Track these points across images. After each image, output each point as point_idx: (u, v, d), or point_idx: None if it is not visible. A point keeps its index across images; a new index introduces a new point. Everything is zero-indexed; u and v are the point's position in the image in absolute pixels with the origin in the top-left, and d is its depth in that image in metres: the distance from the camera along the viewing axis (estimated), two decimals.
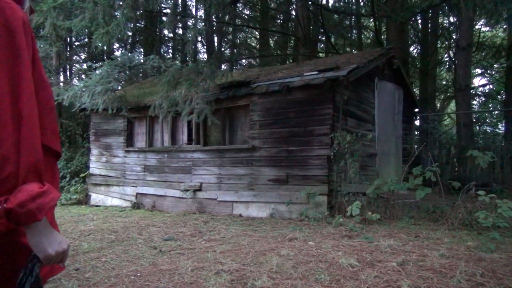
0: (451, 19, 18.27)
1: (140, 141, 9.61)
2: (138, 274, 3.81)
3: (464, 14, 10.82)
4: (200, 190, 8.24)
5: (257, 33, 21.86)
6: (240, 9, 20.06)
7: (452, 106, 25.47)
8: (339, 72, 6.61)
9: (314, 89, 6.82)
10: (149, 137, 9.43)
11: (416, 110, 10.94)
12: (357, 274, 3.55)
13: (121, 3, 7.12)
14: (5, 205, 0.94)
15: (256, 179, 7.45)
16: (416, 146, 11.12)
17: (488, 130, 16.74)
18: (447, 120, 22.69)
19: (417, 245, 4.48)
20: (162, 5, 16.08)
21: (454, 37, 19.32)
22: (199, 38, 19.82)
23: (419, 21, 16.91)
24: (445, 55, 20.36)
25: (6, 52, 1.00)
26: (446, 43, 18.11)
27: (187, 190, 8.35)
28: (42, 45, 11.45)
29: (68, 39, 17.05)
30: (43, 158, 1.03)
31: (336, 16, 15.93)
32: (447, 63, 20.78)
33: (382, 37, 18.48)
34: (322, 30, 14.85)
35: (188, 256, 4.46)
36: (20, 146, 0.97)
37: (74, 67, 18.71)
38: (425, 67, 15.17)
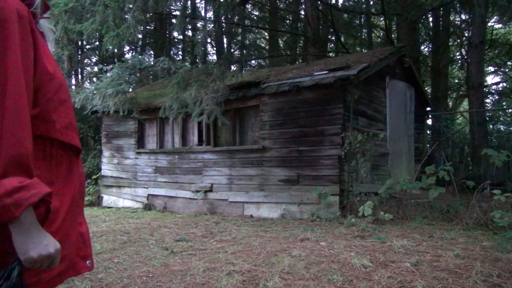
0: (463, 17, 18.08)
1: (151, 143, 9.66)
2: (150, 275, 3.82)
3: (477, 11, 10.69)
4: (211, 191, 8.24)
5: (266, 33, 21.86)
6: (249, 10, 20.08)
7: (465, 104, 25.13)
8: (350, 71, 6.56)
9: (324, 89, 6.78)
10: (159, 138, 9.47)
11: (428, 109, 10.81)
12: (370, 274, 3.50)
13: (131, 5, 7.16)
14: None
15: (266, 179, 7.43)
16: (428, 145, 10.99)
17: (502, 128, 16.46)
18: (460, 118, 22.38)
19: (431, 245, 4.41)
20: (171, 7, 16.15)
21: (466, 34, 19.12)
22: (208, 40, 19.88)
23: (430, 19, 16.71)
24: (457, 53, 20.10)
25: None
26: (458, 40, 17.86)
27: (198, 191, 8.36)
28: (53, 49, 11.58)
29: (79, 42, 17.26)
30: (31, 151, 0.98)
31: (345, 15, 15.85)
32: (459, 61, 20.51)
33: (393, 35, 18.35)
34: (331, 30, 14.76)
35: (199, 257, 4.45)
36: (1, 139, 0.92)
37: (85, 70, 18.92)
38: (437, 65, 14.98)
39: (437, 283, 3.20)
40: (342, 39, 18.14)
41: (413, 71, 9.16)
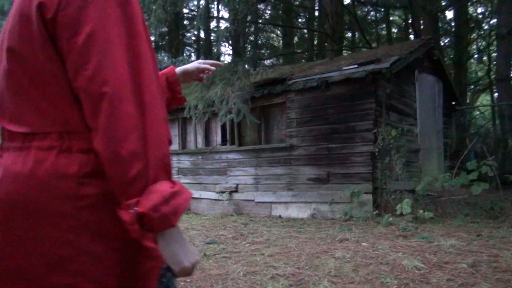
0: (486, 7, 17.60)
1: (173, 144, 9.53)
2: (188, 280, 3.65)
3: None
4: (236, 191, 8.07)
5: (278, 32, 21.63)
6: (262, 8, 19.88)
7: (482, 99, 24.51)
8: (381, 65, 6.32)
9: (354, 84, 6.54)
10: (181, 139, 9.33)
11: (453, 103, 10.46)
12: (426, 277, 3.28)
13: (154, 6, 7.02)
14: (136, 208, 0.79)
15: (295, 178, 7.22)
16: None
17: None
18: (477, 113, 21.78)
19: (483, 244, 4.16)
20: (187, 8, 16.06)
21: (486, 27, 18.63)
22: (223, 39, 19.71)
23: (452, 12, 16.27)
24: (474, 46, 19.56)
25: (123, 26, 0.84)
26: (482, 32, 17.36)
27: (222, 192, 8.20)
28: None
29: None
30: (169, 150, 0.87)
31: (359, 11, 15.49)
32: (479, 54, 19.97)
33: (409, 30, 17.97)
34: (352, 24, 14.43)
35: (235, 260, 4.27)
36: (146, 138, 0.81)
37: None
38: (459, 58, 14.58)
39: (503, 285, 2.97)
40: (356, 35, 17.85)
41: (441, 64, 8.86)
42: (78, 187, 0.83)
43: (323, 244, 4.72)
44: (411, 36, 17.05)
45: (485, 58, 20.19)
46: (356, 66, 6.73)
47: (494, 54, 18.83)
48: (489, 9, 17.66)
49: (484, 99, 25.87)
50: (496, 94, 19.83)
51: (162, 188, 0.81)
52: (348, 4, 13.40)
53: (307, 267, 3.82)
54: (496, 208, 5.36)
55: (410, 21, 12.24)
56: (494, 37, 17.62)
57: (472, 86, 22.09)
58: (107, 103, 0.78)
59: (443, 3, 13.79)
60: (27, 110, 0.86)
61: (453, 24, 18.26)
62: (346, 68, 6.81)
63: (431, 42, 8.25)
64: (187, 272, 0.87)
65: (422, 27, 13.57)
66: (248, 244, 5.09)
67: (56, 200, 0.82)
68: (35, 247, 0.82)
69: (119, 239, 0.86)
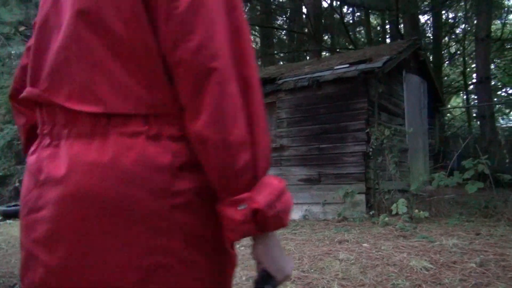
0: (456, 13, 18.11)
1: None
2: None
3: (481, 5, 10.59)
4: None
5: (256, 33, 21.55)
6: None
7: (453, 101, 25.22)
8: (374, 64, 6.30)
9: (346, 83, 6.49)
10: None
11: (438, 104, 10.62)
12: (437, 277, 3.21)
13: None
14: (246, 205, 0.67)
15: (285, 179, 7.06)
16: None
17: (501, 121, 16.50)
18: (448, 114, 22.35)
19: (485, 243, 4.15)
20: None
21: (458, 31, 19.17)
22: None
23: (430, 15, 16.63)
24: (446, 50, 20.08)
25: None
26: (453, 36, 17.84)
27: None
28: None
29: None
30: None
31: (348, 11, 15.56)
32: (452, 58, 20.52)
33: (387, 33, 18.26)
34: (334, 25, 14.47)
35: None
36: (253, 124, 0.69)
37: None
38: (439, 61, 14.89)
39: None
40: (336, 37, 17.96)
41: (426, 64, 8.96)
42: (172, 182, 0.68)
43: (322, 246, 4.62)
44: (388, 40, 17.37)
45: (460, 60, 20.83)
46: (347, 65, 6.69)
47: (468, 57, 19.45)
48: (459, 14, 18.24)
49: (455, 101, 26.69)
50: (473, 96, 20.42)
51: (273, 182, 0.71)
52: (331, 5, 13.44)
53: (312, 270, 3.70)
54: (490, 207, 5.41)
55: (395, 23, 12.33)
56: (467, 41, 18.19)
57: (445, 89, 22.71)
58: (216, 80, 0.65)
59: (426, 8, 14.05)
60: (101, 86, 0.68)
61: (429, 28, 18.75)
62: (338, 67, 6.77)
63: (418, 42, 8.33)
64: (288, 279, 0.78)
65: (402, 31, 13.79)
66: (243, 248, 4.93)
67: (147, 197, 0.66)
68: (120, 256, 0.65)
69: (209, 244, 0.74)
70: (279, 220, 0.69)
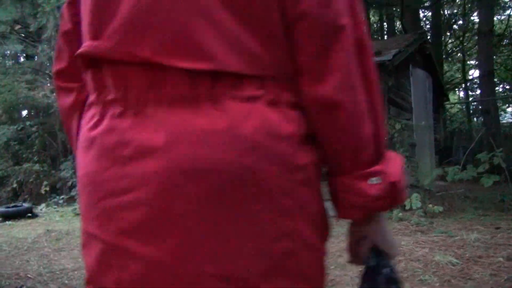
0: (453, 9, 18.15)
1: None
2: None
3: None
4: None
5: None
6: None
7: (450, 97, 25.30)
8: (384, 57, 6.19)
9: None
10: None
11: (444, 98, 10.55)
12: (466, 272, 3.10)
13: None
14: (384, 178, 0.60)
15: None
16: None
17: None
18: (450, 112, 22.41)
19: (507, 237, 4.05)
20: None
21: (455, 27, 19.19)
22: None
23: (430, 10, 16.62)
24: (449, 44, 20.12)
25: None
26: (449, 34, 17.86)
27: None
28: (43, 49, 10.91)
29: None
30: None
31: None
32: (451, 53, 20.57)
33: (384, 28, 18.23)
34: None
35: None
36: (372, 91, 0.62)
37: None
38: (440, 56, 14.84)
39: None
40: None
41: (431, 59, 8.86)
42: (296, 155, 0.58)
43: (338, 242, 4.48)
44: (385, 37, 17.31)
45: (457, 56, 20.89)
46: None
47: (468, 53, 19.47)
48: (455, 11, 18.26)
49: (451, 98, 26.79)
50: (471, 92, 20.46)
51: (393, 153, 0.66)
52: None
53: (332, 267, 3.60)
54: (506, 200, 5.31)
55: (400, 16, 12.25)
56: (467, 37, 18.21)
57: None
58: (345, 39, 0.58)
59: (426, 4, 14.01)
60: (206, 35, 0.54)
61: (427, 23, 18.75)
62: None
63: (424, 36, 8.22)
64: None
65: (401, 26, 13.71)
66: None
67: (273, 170, 0.55)
68: (246, 242, 0.53)
69: (322, 226, 0.66)
70: (403, 194, 0.64)
